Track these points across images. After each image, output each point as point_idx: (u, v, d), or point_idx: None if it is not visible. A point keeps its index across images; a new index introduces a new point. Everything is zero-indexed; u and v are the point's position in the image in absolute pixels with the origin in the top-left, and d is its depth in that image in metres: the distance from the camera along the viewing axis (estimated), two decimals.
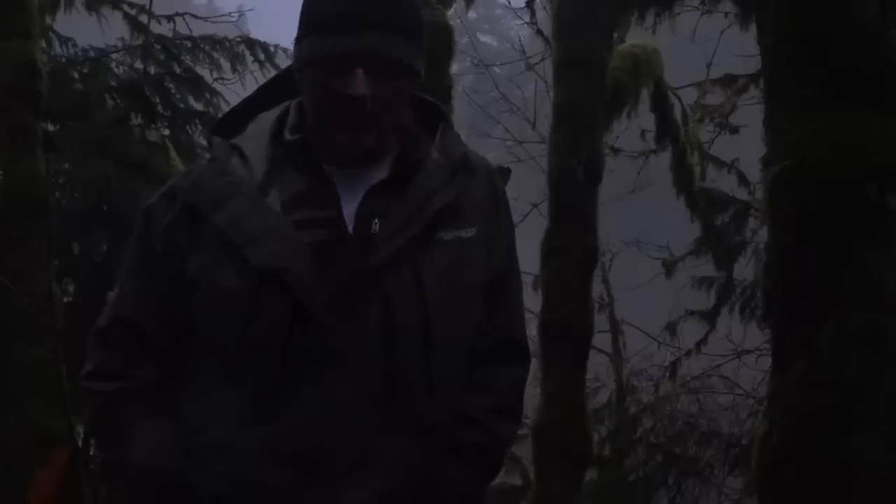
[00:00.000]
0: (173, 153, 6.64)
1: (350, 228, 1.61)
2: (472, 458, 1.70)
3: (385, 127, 1.63)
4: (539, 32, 8.55)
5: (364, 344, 1.57)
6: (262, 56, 7.86)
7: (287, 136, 1.68)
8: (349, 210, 1.63)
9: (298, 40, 1.63)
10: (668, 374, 9.71)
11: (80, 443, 4.23)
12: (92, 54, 7.52)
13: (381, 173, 1.66)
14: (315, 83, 1.61)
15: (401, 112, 1.67)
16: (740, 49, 6.97)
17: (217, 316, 1.60)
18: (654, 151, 8.58)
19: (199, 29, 8.69)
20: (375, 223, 1.61)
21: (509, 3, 12.66)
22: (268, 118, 1.72)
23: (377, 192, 1.64)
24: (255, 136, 1.69)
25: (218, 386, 1.60)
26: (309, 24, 1.62)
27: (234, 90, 7.38)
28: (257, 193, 1.61)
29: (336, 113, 1.60)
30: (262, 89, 1.79)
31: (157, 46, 7.97)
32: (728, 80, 8.53)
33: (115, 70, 7.66)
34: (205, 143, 7.02)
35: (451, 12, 6.79)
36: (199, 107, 7.47)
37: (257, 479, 1.57)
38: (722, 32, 8.14)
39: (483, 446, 1.72)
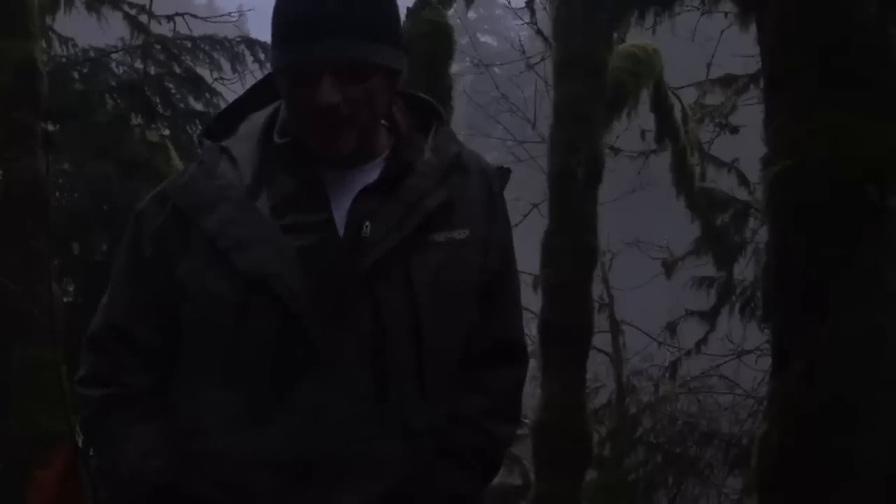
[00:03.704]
0: (173, 153, 6.64)
1: (341, 231, 1.60)
2: (467, 459, 1.69)
3: (366, 127, 1.61)
4: (539, 32, 8.55)
5: (354, 348, 1.56)
6: (262, 56, 7.85)
7: (276, 138, 1.66)
8: (340, 212, 1.61)
9: (272, 50, 1.62)
10: (668, 374, 9.71)
11: (80, 443, 4.23)
12: (92, 54, 7.52)
13: (372, 174, 1.64)
14: (287, 93, 1.60)
15: (381, 111, 1.64)
16: (740, 49, 6.96)
17: (206, 321, 1.59)
18: (654, 151, 8.59)
19: (199, 29, 8.69)
20: (367, 226, 1.58)
21: (509, 3, 12.68)
22: (258, 119, 1.70)
23: (368, 193, 1.62)
24: (245, 138, 1.67)
25: (210, 390, 1.59)
26: (275, 34, 1.60)
27: (234, 90, 7.37)
28: (246, 197, 1.60)
29: (310, 121, 1.58)
30: (254, 89, 1.77)
31: (157, 46, 7.97)
32: (728, 80, 8.53)
33: (115, 70, 7.66)
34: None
35: (451, 12, 6.78)
36: (199, 107, 7.46)
37: (249, 484, 1.56)
38: (722, 32, 8.14)
39: (479, 448, 1.70)
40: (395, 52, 1.61)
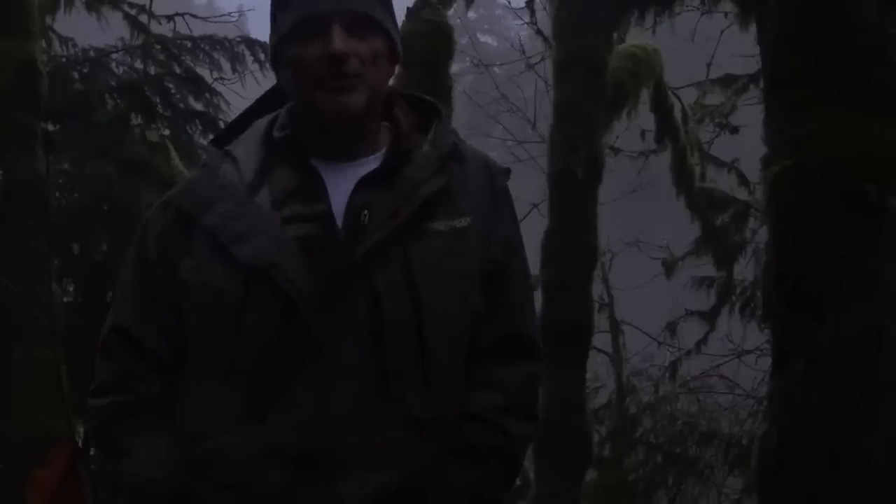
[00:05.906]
0: (173, 153, 6.65)
1: (340, 222, 1.61)
2: (483, 457, 1.65)
3: (371, 90, 1.64)
4: (539, 32, 8.56)
5: (354, 337, 1.56)
6: (262, 56, 7.85)
7: (276, 133, 1.69)
8: (339, 204, 1.63)
9: (272, 28, 1.67)
10: (668, 374, 9.71)
11: (80, 443, 4.23)
12: (92, 54, 7.52)
13: (370, 167, 1.67)
14: (295, 57, 1.63)
15: (385, 80, 1.69)
16: (740, 49, 6.97)
17: (208, 316, 1.60)
18: (654, 151, 8.60)
19: (199, 29, 8.70)
20: (364, 215, 1.61)
21: (509, 3, 12.70)
22: (261, 123, 1.74)
23: (367, 184, 1.64)
24: (247, 140, 1.71)
25: (211, 387, 1.60)
26: (278, 6, 1.66)
27: (234, 90, 7.40)
28: (246, 193, 1.62)
29: (320, 79, 1.61)
30: (259, 101, 1.81)
31: (157, 46, 7.98)
32: (728, 80, 8.54)
33: (115, 70, 7.67)
34: (205, 142, 7.04)
35: (451, 12, 6.78)
36: (199, 107, 7.47)
37: (253, 480, 1.56)
38: (722, 32, 8.15)
39: (494, 445, 1.66)
40: (394, 22, 1.69)
